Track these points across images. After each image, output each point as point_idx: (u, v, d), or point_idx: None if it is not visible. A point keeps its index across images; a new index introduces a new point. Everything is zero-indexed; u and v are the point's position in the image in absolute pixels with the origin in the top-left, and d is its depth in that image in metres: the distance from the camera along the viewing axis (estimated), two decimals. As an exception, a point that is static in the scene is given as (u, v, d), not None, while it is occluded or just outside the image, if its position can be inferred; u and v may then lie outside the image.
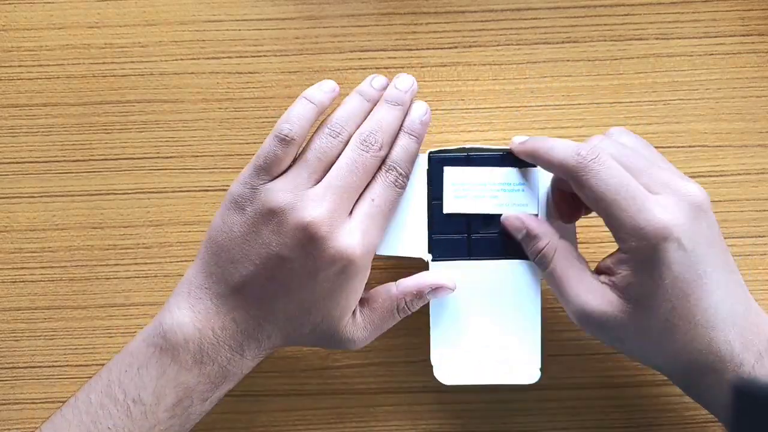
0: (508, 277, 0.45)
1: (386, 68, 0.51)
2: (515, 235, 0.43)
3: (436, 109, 0.51)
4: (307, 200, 0.41)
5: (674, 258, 0.38)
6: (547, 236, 0.42)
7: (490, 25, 0.52)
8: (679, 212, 0.38)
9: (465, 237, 0.45)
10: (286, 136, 0.41)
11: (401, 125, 0.44)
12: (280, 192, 0.41)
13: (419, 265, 0.45)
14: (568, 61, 0.51)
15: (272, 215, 0.41)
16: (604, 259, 0.42)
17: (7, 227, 0.51)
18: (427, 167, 0.45)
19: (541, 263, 0.43)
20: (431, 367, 0.45)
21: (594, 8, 0.52)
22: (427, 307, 0.45)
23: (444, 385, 0.45)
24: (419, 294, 0.44)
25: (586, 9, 0.52)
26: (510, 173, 0.44)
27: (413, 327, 0.49)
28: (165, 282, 0.51)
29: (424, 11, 0.52)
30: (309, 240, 0.40)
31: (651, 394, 0.49)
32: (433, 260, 0.45)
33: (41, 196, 0.51)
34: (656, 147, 0.44)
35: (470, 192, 0.44)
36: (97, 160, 0.52)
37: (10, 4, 0.52)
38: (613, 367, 0.50)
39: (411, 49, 0.52)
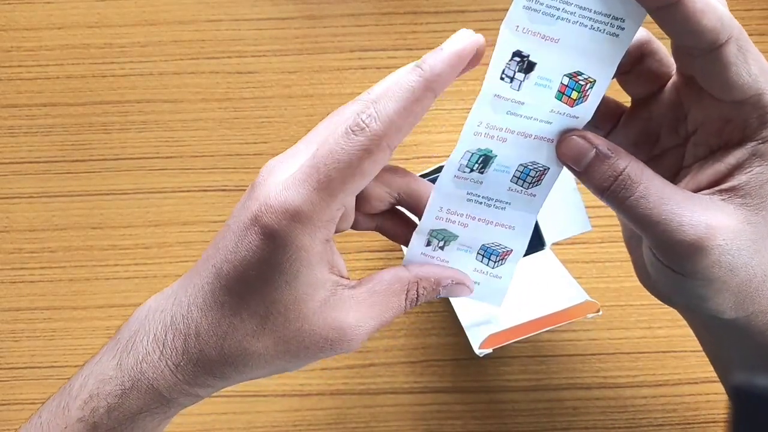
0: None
1: (386, 68, 0.51)
2: (575, 166, 0.32)
3: (437, 109, 0.51)
4: None
5: None
6: (624, 153, 0.31)
7: (490, 25, 0.52)
8: None
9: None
10: None
11: None
12: None
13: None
14: (568, 61, 0.51)
15: None
16: (695, 174, 0.32)
17: (6, 227, 0.51)
18: None
19: (621, 191, 0.30)
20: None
21: (594, 8, 0.52)
22: (427, 306, 0.45)
23: (488, 352, 0.41)
24: (436, 283, 0.35)
25: (587, 9, 0.52)
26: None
27: (413, 328, 0.49)
28: (165, 282, 0.50)
29: (424, 11, 0.52)
30: None
31: (651, 395, 0.49)
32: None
33: (41, 196, 0.51)
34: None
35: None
36: (97, 160, 0.52)
37: (9, 4, 0.52)
38: (613, 367, 0.50)
39: (411, 49, 0.52)
